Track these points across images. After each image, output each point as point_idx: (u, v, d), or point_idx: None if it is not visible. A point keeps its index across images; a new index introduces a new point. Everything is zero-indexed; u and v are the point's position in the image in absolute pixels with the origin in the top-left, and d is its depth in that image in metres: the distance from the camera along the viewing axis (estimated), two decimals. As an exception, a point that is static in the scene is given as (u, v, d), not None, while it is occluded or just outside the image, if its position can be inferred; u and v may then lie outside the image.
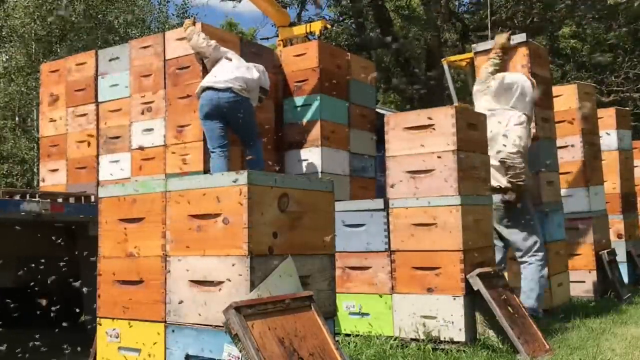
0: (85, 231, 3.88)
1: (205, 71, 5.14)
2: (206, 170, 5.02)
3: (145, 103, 5.54)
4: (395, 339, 3.88)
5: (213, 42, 5.12)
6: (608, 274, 5.75)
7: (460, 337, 3.73)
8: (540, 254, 4.53)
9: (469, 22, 18.88)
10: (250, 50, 5.71)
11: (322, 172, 5.62)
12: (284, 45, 7.62)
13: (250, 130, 5.05)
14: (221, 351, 2.48)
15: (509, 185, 4.44)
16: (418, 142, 4.00)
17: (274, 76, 5.92)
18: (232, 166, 4.92)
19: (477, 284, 3.72)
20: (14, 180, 16.30)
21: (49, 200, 3.79)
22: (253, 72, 5.12)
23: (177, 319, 2.66)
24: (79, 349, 3.32)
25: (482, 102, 4.78)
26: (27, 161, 16.24)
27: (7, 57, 17.02)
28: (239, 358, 2.39)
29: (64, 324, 3.58)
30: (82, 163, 5.98)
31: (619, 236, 6.71)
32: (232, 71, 4.97)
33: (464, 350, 3.64)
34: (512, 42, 5.13)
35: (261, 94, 5.24)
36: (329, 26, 8.87)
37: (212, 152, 4.91)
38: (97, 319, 2.95)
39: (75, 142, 6.04)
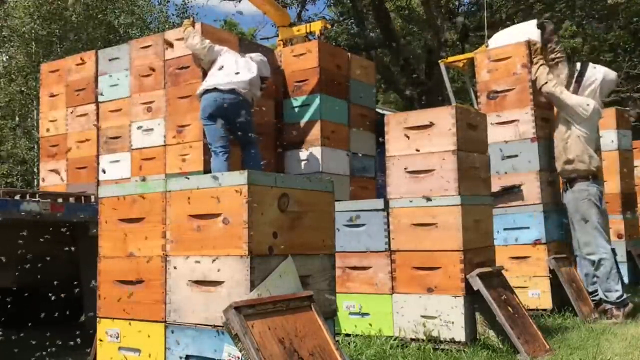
0: (85, 231, 3.88)
1: (205, 72, 5.14)
2: (206, 170, 5.02)
3: (145, 103, 5.54)
4: (395, 339, 3.88)
5: (207, 43, 5.10)
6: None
7: (461, 337, 3.73)
8: None
9: (469, 22, 18.87)
10: (250, 50, 5.70)
11: (322, 172, 5.62)
12: (284, 45, 7.61)
13: (249, 132, 5.06)
14: (221, 351, 2.48)
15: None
16: (418, 142, 4.01)
17: (274, 76, 5.91)
18: (233, 166, 4.92)
19: (477, 284, 3.72)
20: (14, 180, 16.30)
21: (49, 200, 3.79)
22: (252, 68, 5.11)
23: (177, 319, 2.66)
24: (79, 349, 3.32)
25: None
26: (27, 161, 16.24)
27: (7, 57, 17.03)
28: (239, 358, 2.39)
29: (64, 324, 3.58)
30: (82, 163, 5.98)
31: (619, 236, 6.71)
32: (234, 72, 4.97)
33: (464, 350, 3.64)
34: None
35: (262, 84, 5.24)
36: (328, 26, 8.86)
37: (214, 151, 4.91)
38: (97, 319, 2.95)
39: (75, 142, 6.04)
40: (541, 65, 5.21)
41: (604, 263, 4.90)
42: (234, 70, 4.99)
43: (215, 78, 4.96)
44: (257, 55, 5.30)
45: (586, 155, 5.03)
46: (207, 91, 4.94)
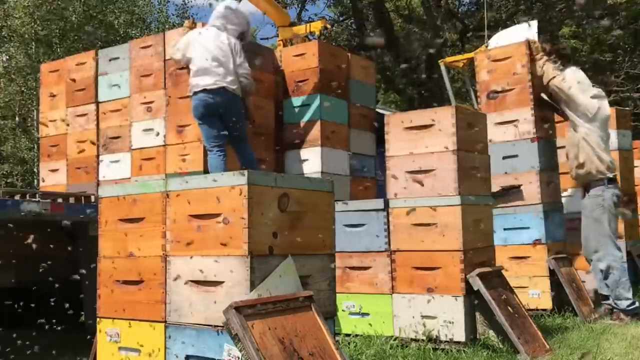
0: (85, 231, 3.88)
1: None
2: (206, 170, 5.01)
3: (145, 103, 5.54)
4: (395, 339, 3.88)
5: (171, 51, 5.15)
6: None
7: (460, 337, 3.73)
8: None
9: (469, 22, 18.89)
10: (249, 50, 5.69)
11: (322, 172, 5.62)
12: (284, 45, 7.62)
13: (242, 128, 5.04)
14: (221, 351, 2.48)
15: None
16: (418, 142, 4.01)
17: (274, 76, 5.91)
18: (230, 165, 4.92)
19: (477, 284, 3.72)
20: (14, 180, 16.31)
21: (49, 200, 3.79)
22: (225, 49, 4.95)
23: (177, 319, 2.66)
24: (79, 349, 3.32)
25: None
26: (27, 161, 16.25)
27: (7, 57, 17.04)
28: (239, 358, 2.39)
29: (64, 324, 3.57)
30: (82, 163, 5.98)
31: (619, 236, 6.70)
32: (215, 66, 4.88)
33: (464, 350, 3.64)
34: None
35: (242, 41, 5.16)
36: (328, 26, 8.87)
37: (210, 150, 4.90)
38: (97, 319, 2.95)
39: (76, 142, 6.04)
40: (547, 60, 5.20)
41: (613, 272, 4.84)
42: (215, 64, 4.88)
43: (201, 79, 4.88)
44: (219, 17, 5.09)
45: (595, 157, 4.97)
46: (196, 93, 4.92)
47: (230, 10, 5.13)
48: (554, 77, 5.12)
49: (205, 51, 4.93)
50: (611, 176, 5.01)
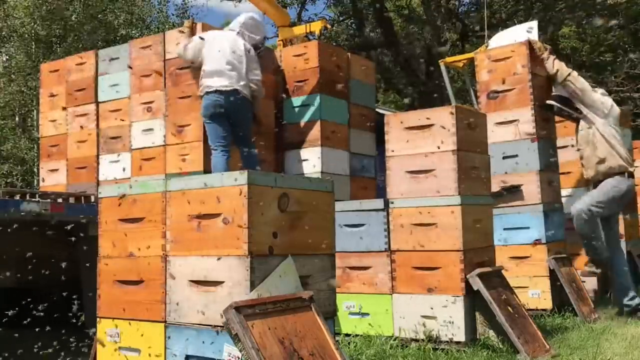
0: (85, 231, 3.88)
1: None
2: (206, 170, 5.02)
3: (145, 103, 5.54)
4: (395, 339, 3.88)
5: (181, 47, 5.13)
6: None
7: (460, 337, 3.73)
8: None
9: (469, 22, 18.89)
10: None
11: (322, 172, 5.62)
12: (284, 45, 7.62)
13: (248, 131, 5.08)
14: (221, 351, 2.48)
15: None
16: (418, 142, 4.01)
17: (274, 76, 5.91)
18: (233, 165, 4.92)
19: (477, 284, 3.72)
20: (14, 180, 16.30)
21: (49, 200, 3.79)
22: (241, 54, 5.04)
23: (177, 319, 2.66)
24: (78, 348, 3.32)
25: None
26: (27, 161, 16.24)
27: (7, 57, 17.04)
28: (239, 358, 2.39)
29: (64, 324, 3.57)
30: (82, 163, 5.98)
31: (619, 236, 6.69)
32: (229, 69, 4.93)
33: (464, 350, 3.64)
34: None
35: (261, 46, 5.28)
36: (328, 26, 8.88)
37: (214, 149, 4.91)
38: (97, 319, 2.95)
39: (76, 142, 6.04)
40: (555, 58, 5.21)
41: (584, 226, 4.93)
42: (229, 67, 4.94)
43: (215, 80, 4.93)
44: (241, 24, 5.22)
45: (614, 151, 4.97)
46: (208, 93, 4.95)
47: (252, 20, 5.30)
48: (569, 73, 5.12)
49: (221, 54, 5.00)
50: (631, 170, 5.03)
